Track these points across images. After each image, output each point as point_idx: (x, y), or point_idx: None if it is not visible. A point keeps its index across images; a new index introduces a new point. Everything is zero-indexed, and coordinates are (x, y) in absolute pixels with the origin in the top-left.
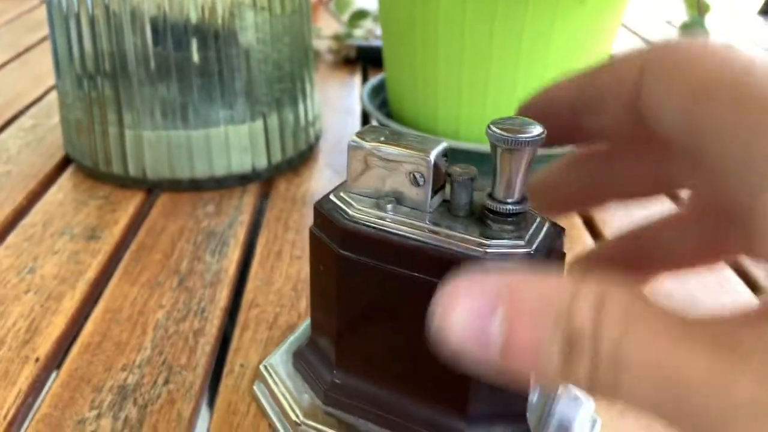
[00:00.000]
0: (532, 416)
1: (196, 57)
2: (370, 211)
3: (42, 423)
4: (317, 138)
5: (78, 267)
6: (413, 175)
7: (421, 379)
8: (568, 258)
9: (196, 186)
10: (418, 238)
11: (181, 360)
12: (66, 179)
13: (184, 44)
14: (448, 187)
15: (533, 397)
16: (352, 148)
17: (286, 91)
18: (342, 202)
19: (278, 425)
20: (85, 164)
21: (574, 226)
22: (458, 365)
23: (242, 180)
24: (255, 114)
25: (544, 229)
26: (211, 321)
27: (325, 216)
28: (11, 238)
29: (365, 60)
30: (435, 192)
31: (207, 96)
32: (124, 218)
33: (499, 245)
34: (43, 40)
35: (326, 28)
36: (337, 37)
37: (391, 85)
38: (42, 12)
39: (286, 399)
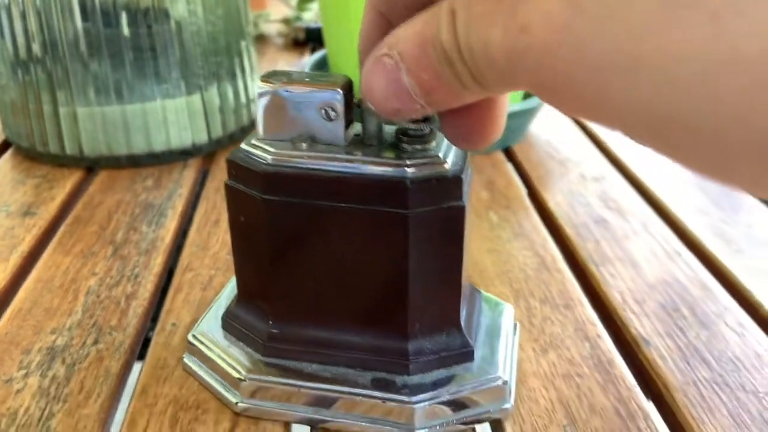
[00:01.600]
0: (470, 327)
1: (126, 32)
2: (287, 152)
3: None
4: None
5: (12, 241)
6: (325, 110)
7: (359, 308)
8: None
9: (134, 162)
10: (340, 169)
11: (112, 322)
12: (4, 161)
13: (114, 20)
14: (357, 125)
15: (464, 308)
16: (262, 93)
17: (223, 65)
18: (257, 149)
19: (220, 389)
20: (22, 146)
21: (511, 183)
22: (398, 118)
23: (183, 155)
24: (191, 88)
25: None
26: (144, 285)
27: (242, 165)
28: None
29: (314, 41)
30: (347, 126)
31: (140, 71)
32: (61, 195)
33: (418, 163)
34: None
35: (275, 12)
36: (285, 21)
37: (332, 60)
38: None
39: (223, 360)
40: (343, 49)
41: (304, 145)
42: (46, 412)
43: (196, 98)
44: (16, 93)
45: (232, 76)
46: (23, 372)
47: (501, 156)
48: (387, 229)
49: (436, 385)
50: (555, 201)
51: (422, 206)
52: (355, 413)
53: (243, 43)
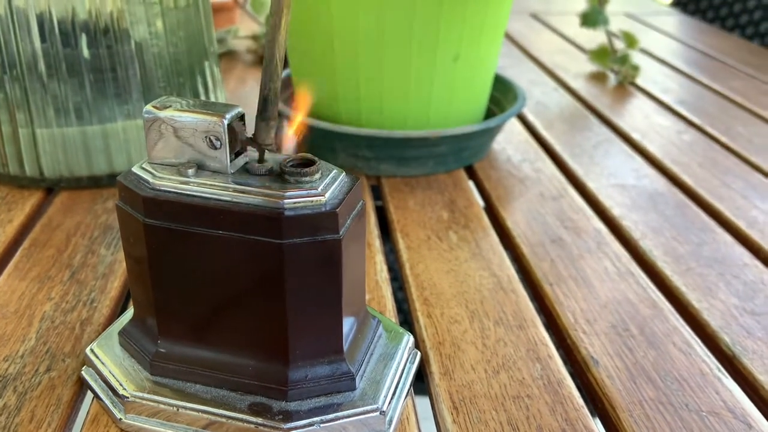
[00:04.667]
0: (356, 355)
1: (86, 52)
2: (172, 177)
3: None
4: None
5: None
6: (210, 138)
7: (242, 332)
8: None
9: (96, 183)
10: (219, 197)
11: (65, 348)
12: None
13: (73, 40)
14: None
15: (349, 337)
16: (148, 119)
17: (185, 86)
18: (145, 173)
19: (109, 404)
20: None
21: (472, 203)
22: None
23: None
24: None
25: (339, 179)
26: (100, 310)
27: (128, 187)
28: None
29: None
30: (237, 154)
31: (101, 92)
32: (20, 217)
33: (295, 195)
34: None
35: (244, 28)
36: (254, 37)
37: (295, 79)
38: None
39: (114, 377)
40: (305, 66)
41: (190, 172)
42: None
43: None
44: None
45: (195, 97)
46: None
47: (463, 174)
48: (264, 258)
49: (311, 412)
50: (513, 220)
51: (297, 237)
52: None
53: (206, 63)
